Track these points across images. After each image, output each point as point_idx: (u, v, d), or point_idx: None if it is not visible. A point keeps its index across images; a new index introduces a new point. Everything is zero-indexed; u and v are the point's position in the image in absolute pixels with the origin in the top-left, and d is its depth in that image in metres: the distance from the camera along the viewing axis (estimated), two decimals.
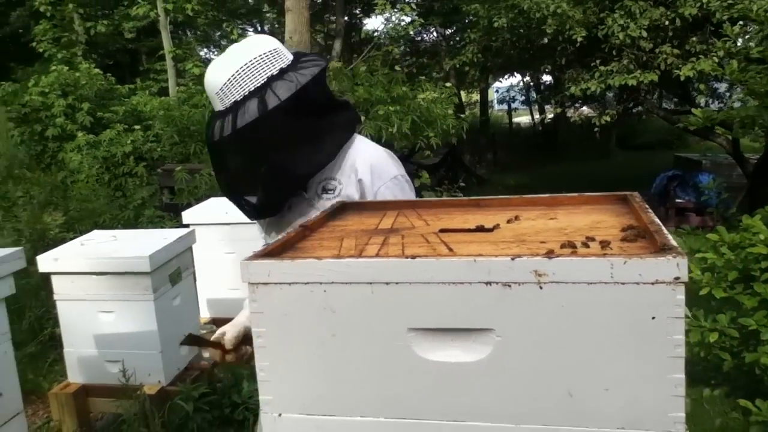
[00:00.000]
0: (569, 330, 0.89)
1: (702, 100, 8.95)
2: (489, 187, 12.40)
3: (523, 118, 24.36)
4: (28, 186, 6.88)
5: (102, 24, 11.95)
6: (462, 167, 11.92)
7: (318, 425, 1.00)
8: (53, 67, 9.23)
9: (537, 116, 20.25)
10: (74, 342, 3.34)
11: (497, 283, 0.90)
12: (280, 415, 1.01)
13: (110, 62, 13.83)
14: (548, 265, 0.88)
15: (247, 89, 1.56)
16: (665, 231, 0.97)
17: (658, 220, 1.05)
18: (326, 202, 1.64)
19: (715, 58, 6.85)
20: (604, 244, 0.98)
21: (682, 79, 7.07)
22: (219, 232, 4.22)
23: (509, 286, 0.90)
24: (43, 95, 8.60)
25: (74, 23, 11.85)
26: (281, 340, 0.99)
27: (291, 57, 1.65)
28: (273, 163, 1.62)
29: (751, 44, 5.21)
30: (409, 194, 1.74)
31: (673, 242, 0.91)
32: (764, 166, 7.26)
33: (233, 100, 1.57)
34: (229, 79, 1.57)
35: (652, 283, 0.86)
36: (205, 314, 4.26)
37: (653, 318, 0.87)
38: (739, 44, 6.82)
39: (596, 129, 8.45)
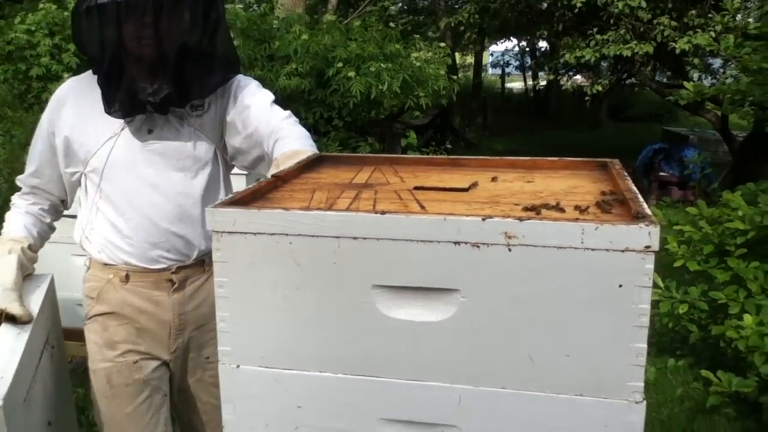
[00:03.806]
0: (535, 294, 0.88)
1: (695, 75, 8.89)
2: (476, 151, 12.34)
3: (516, 84, 24.20)
4: (9, 125, 6.75)
5: None
6: (451, 129, 11.85)
7: (275, 378, 0.99)
8: (41, 6, 8.98)
9: (530, 82, 20.11)
10: None
11: (466, 243, 0.88)
12: (238, 366, 1.00)
13: None
14: (519, 227, 0.86)
15: None
16: (641, 199, 0.95)
17: (635, 188, 1.04)
18: (198, 119, 1.69)
19: (712, 32, 6.78)
20: (578, 209, 0.96)
21: (678, 52, 7.00)
22: None
23: (478, 246, 0.88)
24: (29, 33, 8.36)
25: None
26: (244, 291, 0.97)
27: None
28: (200, 49, 1.60)
29: (750, 20, 5.14)
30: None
31: (647, 210, 0.89)
32: (750, 143, 7.26)
33: None
34: None
35: (622, 251, 0.84)
36: None
37: (620, 286, 0.86)
38: (737, 19, 6.75)
39: (587, 98, 8.40)
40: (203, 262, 1.74)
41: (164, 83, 1.57)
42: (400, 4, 14.87)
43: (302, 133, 1.64)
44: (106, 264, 1.71)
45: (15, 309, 1.57)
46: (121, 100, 1.59)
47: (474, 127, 14.61)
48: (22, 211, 1.78)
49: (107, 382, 1.72)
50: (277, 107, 1.71)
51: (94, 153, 1.67)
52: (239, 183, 3.93)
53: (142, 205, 1.66)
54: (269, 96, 1.73)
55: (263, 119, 1.67)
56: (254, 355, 0.99)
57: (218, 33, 1.63)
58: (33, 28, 8.41)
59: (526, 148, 12.98)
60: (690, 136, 8.98)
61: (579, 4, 7.30)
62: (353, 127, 6.76)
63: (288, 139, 1.59)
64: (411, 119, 8.50)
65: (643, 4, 6.92)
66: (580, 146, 12.39)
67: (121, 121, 1.64)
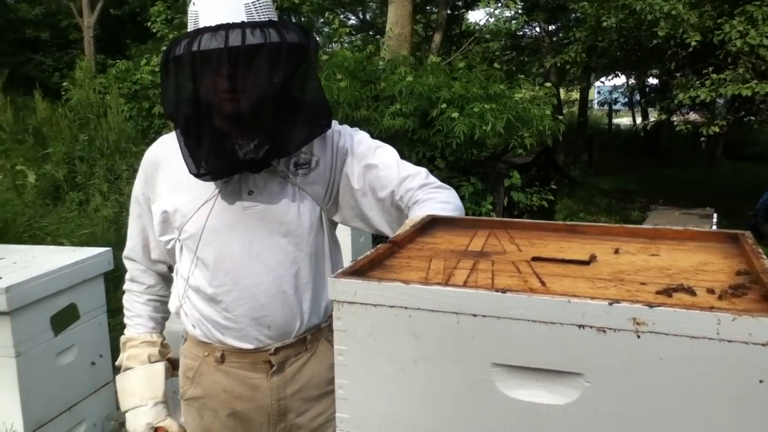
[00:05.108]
0: (665, 384, 0.84)
1: None
2: (582, 190, 12.03)
3: (623, 120, 23.49)
4: (133, 160, 7.23)
5: None
6: (555, 168, 11.61)
7: None
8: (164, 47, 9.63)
9: (639, 119, 19.47)
10: None
11: (591, 327, 0.86)
12: None
13: None
14: (649, 314, 0.83)
15: (268, 17, 1.45)
16: None
17: None
18: (303, 178, 1.56)
19: None
20: (712, 293, 0.91)
21: None
22: None
23: (604, 331, 0.85)
24: (153, 74, 9.00)
25: (187, 5, 12.32)
26: (363, 360, 0.98)
27: None
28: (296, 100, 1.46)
29: None
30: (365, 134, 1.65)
31: None
32: None
33: (268, 19, 1.44)
34: None
35: (763, 344, 0.79)
36: None
37: (761, 381, 0.80)
38: None
39: (702, 138, 8.03)
40: (305, 340, 1.61)
41: (252, 140, 1.44)
42: (503, 42, 14.85)
43: (445, 197, 1.51)
44: (201, 341, 1.62)
45: (173, 428, 1.65)
46: (209, 162, 1.46)
47: (579, 164, 14.27)
48: (142, 299, 1.73)
49: None
50: (406, 164, 1.59)
51: (189, 218, 1.55)
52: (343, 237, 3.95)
53: (242, 276, 1.53)
54: (393, 151, 1.61)
55: (397, 181, 1.54)
56: (371, 425, 1.00)
57: (307, 80, 1.49)
58: (157, 69, 9.03)
59: (636, 187, 12.53)
60: None
61: (693, 43, 7.04)
62: (456, 167, 6.78)
63: (428, 203, 1.48)
64: (514, 157, 8.43)
65: (765, 42, 6.58)
66: (694, 187, 11.84)
67: (218, 181, 1.52)
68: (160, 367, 1.69)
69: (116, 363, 1.76)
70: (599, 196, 11.71)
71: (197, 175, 1.48)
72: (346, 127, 1.64)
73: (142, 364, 1.69)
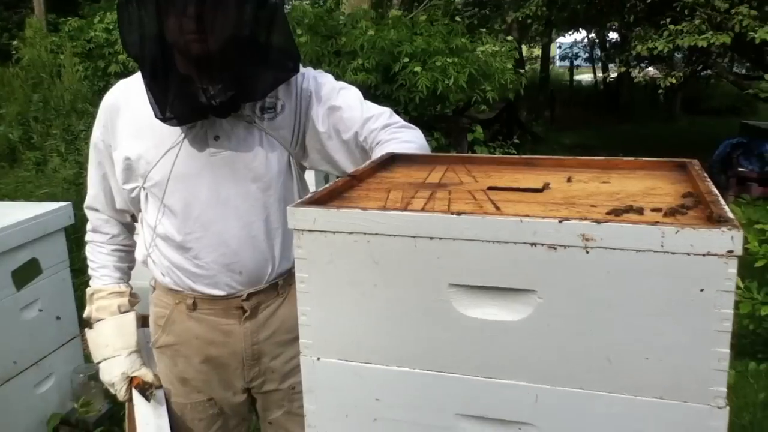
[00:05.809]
0: (613, 296, 0.88)
1: None
2: (544, 145, 12.15)
3: (584, 76, 23.64)
4: (90, 120, 7.05)
5: None
6: (518, 123, 11.69)
7: (355, 371, 1.02)
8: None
9: (600, 74, 19.63)
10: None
11: (542, 244, 0.89)
12: (318, 359, 1.04)
13: None
14: (597, 230, 0.86)
15: None
16: (722, 202, 0.94)
17: (715, 190, 1.02)
18: (269, 122, 1.53)
19: None
20: (658, 211, 0.95)
21: (757, 42, 6.70)
22: None
23: (554, 248, 0.89)
24: (107, 32, 8.72)
25: None
26: (324, 286, 1.01)
27: None
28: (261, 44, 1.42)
29: None
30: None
31: (730, 214, 0.87)
32: None
33: None
34: None
35: (704, 255, 0.83)
36: None
37: (701, 290, 0.85)
38: None
39: (660, 91, 8.14)
40: (276, 285, 1.61)
41: (218, 83, 1.40)
42: None
43: (408, 136, 1.50)
44: (171, 289, 1.60)
45: (149, 377, 1.64)
46: (174, 105, 1.41)
47: (541, 120, 14.37)
48: (106, 249, 1.70)
49: (180, 415, 1.67)
50: (369, 105, 1.58)
51: (154, 165, 1.51)
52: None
53: (212, 222, 1.51)
54: (356, 92, 1.59)
55: (360, 122, 1.53)
56: (334, 349, 1.03)
57: (275, 23, 1.44)
58: (111, 27, 8.76)
59: (597, 142, 12.69)
60: None
61: None
62: (419, 122, 6.74)
63: (390, 143, 1.47)
64: (477, 113, 8.45)
65: None
66: (653, 141, 12.04)
67: (183, 126, 1.48)
68: (131, 317, 1.69)
69: (84, 315, 1.74)
70: (561, 150, 11.84)
71: (163, 120, 1.43)
72: (309, 70, 1.61)
73: (111, 315, 1.67)
